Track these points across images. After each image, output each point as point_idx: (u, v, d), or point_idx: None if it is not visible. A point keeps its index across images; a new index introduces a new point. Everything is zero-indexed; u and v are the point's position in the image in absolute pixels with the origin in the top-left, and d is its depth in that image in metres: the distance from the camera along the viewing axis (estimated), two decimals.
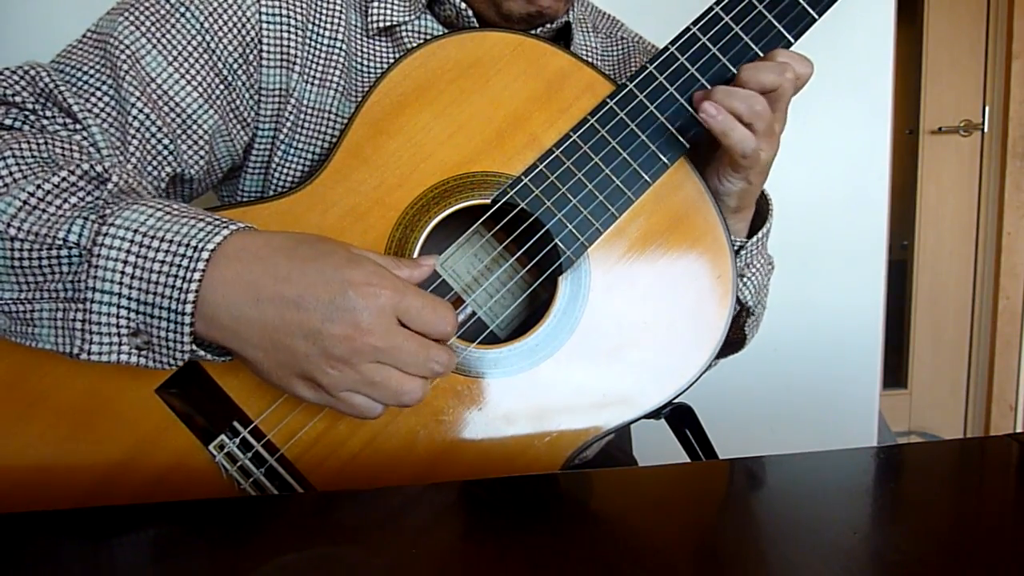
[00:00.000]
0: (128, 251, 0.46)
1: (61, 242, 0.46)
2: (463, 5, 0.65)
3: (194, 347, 0.47)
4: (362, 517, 0.45)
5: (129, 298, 0.46)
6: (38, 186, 0.47)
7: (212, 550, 0.41)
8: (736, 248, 0.65)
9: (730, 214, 0.63)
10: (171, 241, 0.46)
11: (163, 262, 0.46)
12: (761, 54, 0.59)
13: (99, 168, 0.49)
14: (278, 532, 0.43)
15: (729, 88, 0.57)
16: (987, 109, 2.24)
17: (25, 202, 0.47)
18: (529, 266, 0.61)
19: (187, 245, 0.46)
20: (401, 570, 0.39)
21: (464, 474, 0.55)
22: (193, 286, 0.45)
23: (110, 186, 0.48)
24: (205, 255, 0.46)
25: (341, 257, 0.47)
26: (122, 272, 0.46)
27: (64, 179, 0.48)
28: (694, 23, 0.59)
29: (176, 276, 0.45)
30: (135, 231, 0.46)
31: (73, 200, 0.48)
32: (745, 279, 0.66)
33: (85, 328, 0.46)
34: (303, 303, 0.46)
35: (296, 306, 0.46)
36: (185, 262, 0.46)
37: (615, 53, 0.77)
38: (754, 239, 0.65)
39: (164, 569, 0.40)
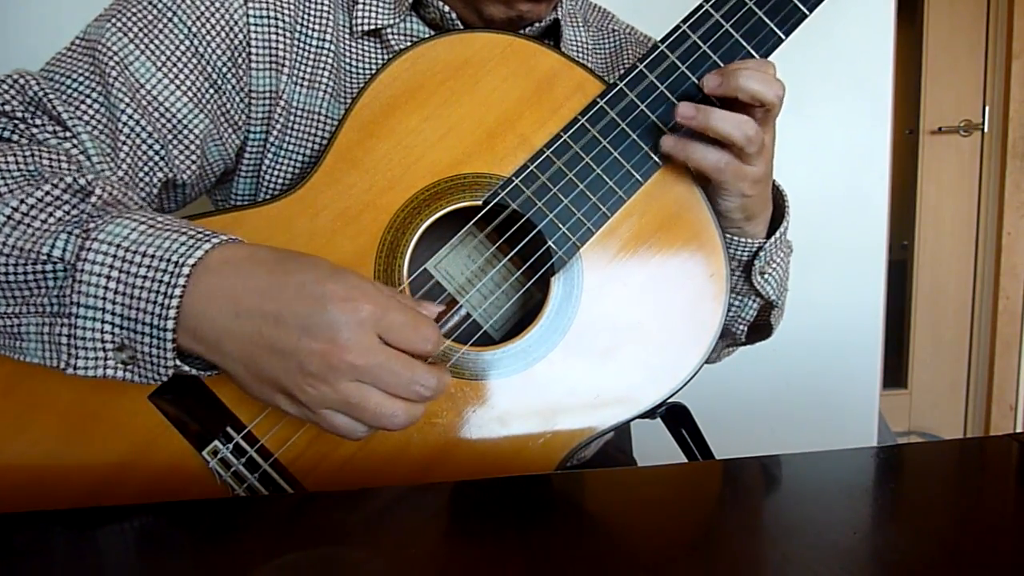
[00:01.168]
0: (111, 266, 0.45)
1: (46, 257, 0.46)
2: (446, 8, 0.64)
3: (178, 362, 0.47)
4: (357, 517, 0.45)
5: (113, 313, 0.46)
6: (22, 200, 0.47)
7: (210, 550, 0.41)
8: (756, 249, 0.64)
9: (743, 224, 0.62)
10: (153, 256, 0.46)
11: (145, 277, 0.45)
12: (752, 51, 0.59)
13: (82, 181, 0.49)
14: (275, 532, 0.43)
15: (724, 113, 0.55)
16: (987, 109, 2.24)
17: (9, 217, 0.47)
18: (523, 267, 0.61)
19: (168, 260, 0.45)
20: (396, 571, 0.38)
21: (458, 476, 0.55)
22: (174, 302, 0.45)
23: (93, 199, 0.48)
24: (186, 270, 0.45)
25: (323, 270, 0.46)
26: (105, 287, 0.45)
27: (48, 193, 0.48)
28: (684, 20, 0.59)
29: (157, 292, 0.45)
30: (118, 245, 0.46)
31: (58, 214, 0.47)
32: (766, 275, 0.65)
33: (70, 343, 0.46)
34: (282, 318, 0.45)
35: (275, 321, 0.45)
36: (166, 277, 0.45)
37: (607, 46, 0.77)
38: (773, 238, 0.64)
39: (162, 568, 0.39)
